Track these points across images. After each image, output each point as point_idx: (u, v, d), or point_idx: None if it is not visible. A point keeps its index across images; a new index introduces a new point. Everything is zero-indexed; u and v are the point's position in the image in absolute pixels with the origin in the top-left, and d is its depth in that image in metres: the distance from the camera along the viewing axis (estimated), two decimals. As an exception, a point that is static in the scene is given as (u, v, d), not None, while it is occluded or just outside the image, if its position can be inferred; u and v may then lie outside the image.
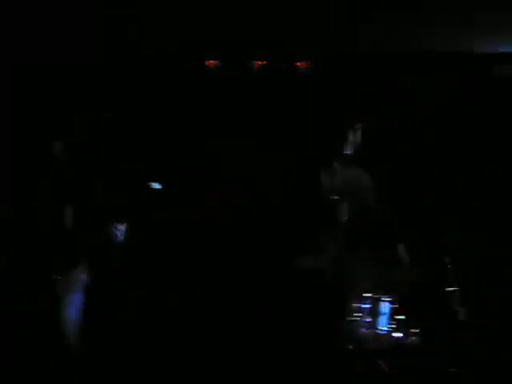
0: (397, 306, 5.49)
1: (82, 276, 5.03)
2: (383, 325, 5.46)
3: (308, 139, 5.95)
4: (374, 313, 5.48)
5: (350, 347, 5.34)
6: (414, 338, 5.51)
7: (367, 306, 5.47)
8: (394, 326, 5.46)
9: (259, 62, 6.36)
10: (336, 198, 5.05)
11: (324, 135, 5.34)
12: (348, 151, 5.12)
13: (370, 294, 5.48)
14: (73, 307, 4.97)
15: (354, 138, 5.14)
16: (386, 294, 5.51)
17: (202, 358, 5.29)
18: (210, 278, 5.86)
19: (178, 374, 5.17)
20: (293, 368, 5.16)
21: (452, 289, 5.47)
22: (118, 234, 5.08)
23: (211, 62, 6.41)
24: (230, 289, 5.84)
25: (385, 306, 5.49)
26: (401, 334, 5.46)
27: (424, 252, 5.76)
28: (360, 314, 5.43)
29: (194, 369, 5.20)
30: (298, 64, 6.38)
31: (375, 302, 5.49)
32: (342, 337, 5.32)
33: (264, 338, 5.37)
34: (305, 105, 6.30)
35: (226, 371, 5.17)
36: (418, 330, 5.50)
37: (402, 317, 5.48)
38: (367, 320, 5.46)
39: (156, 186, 5.27)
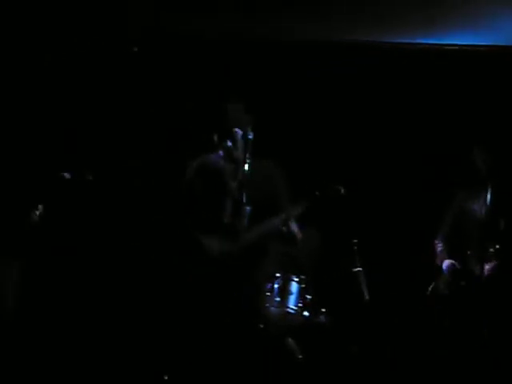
0: (305, 285, 5.65)
1: None
2: (292, 304, 5.62)
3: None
4: (284, 292, 5.64)
5: (261, 326, 5.48)
6: (321, 316, 5.68)
7: (277, 285, 5.63)
8: (302, 305, 5.61)
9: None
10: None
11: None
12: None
13: (279, 274, 5.64)
14: None
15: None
16: (294, 273, 5.67)
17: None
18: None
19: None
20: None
21: (357, 269, 5.60)
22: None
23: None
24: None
25: (293, 286, 5.65)
26: (309, 313, 5.63)
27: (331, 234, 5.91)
28: (269, 294, 5.58)
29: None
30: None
31: (284, 281, 5.65)
32: (253, 316, 5.43)
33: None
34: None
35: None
36: (325, 309, 5.68)
37: (310, 296, 5.65)
38: (277, 299, 5.61)
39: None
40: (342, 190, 4.59)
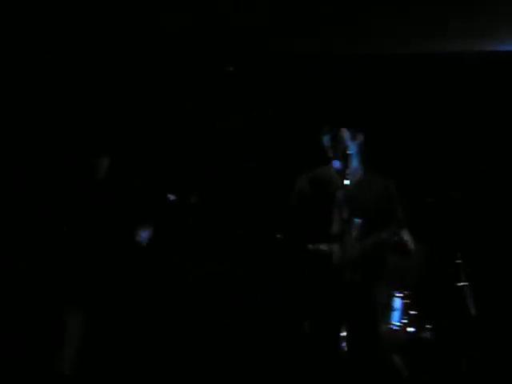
0: (409, 301, 5.55)
1: None
2: (396, 320, 5.53)
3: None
4: (388, 308, 5.56)
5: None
6: (427, 332, 5.57)
7: (380, 301, 5.55)
8: (406, 321, 5.51)
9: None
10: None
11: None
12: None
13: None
14: None
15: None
16: (398, 289, 5.58)
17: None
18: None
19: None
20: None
21: (462, 284, 5.46)
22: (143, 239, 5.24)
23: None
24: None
25: (397, 302, 5.56)
26: (414, 329, 5.53)
27: (436, 247, 5.78)
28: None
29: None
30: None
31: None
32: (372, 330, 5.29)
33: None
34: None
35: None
36: (430, 325, 5.56)
37: (415, 312, 5.54)
38: (380, 315, 5.53)
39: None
40: (458, 196, 4.49)
